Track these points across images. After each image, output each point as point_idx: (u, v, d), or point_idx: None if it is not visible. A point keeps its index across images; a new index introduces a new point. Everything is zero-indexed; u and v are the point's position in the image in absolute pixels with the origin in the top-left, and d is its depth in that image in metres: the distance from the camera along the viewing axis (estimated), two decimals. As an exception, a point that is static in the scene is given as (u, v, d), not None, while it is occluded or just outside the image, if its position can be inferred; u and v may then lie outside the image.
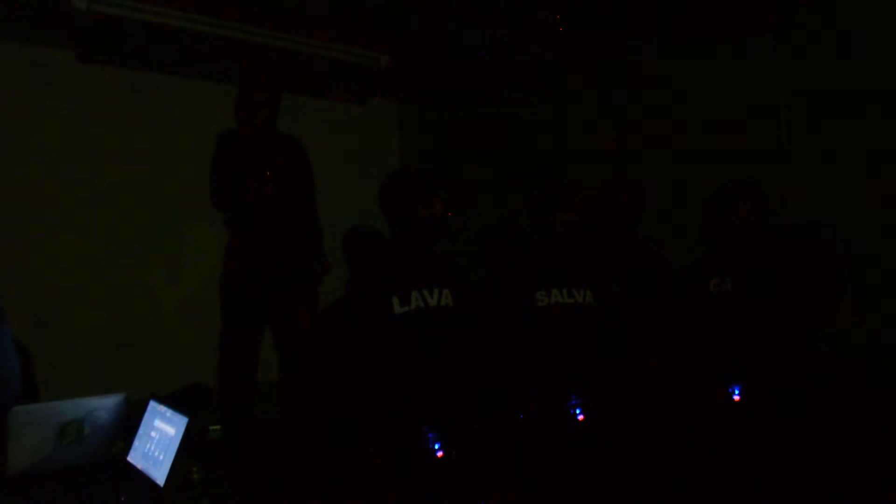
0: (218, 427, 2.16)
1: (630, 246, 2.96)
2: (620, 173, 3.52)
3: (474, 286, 2.40)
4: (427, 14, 3.23)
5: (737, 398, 2.25)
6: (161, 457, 1.58)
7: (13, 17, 3.21)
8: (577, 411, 2.15)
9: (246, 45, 3.48)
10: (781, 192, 3.08)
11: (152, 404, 1.72)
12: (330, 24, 3.42)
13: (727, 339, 2.51)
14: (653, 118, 3.67)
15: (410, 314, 2.10)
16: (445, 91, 4.65)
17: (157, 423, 1.66)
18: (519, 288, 2.44)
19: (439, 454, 1.84)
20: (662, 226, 3.38)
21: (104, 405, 1.75)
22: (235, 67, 3.78)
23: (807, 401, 2.22)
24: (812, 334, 2.47)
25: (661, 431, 2.22)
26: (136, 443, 1.71)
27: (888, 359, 2.59)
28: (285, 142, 3.09)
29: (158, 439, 1.62)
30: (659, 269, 2.93)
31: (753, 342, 2.45)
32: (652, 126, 3.67)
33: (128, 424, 1.77)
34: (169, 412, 1.63)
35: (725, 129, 3.37)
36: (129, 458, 1.69)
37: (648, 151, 3.67)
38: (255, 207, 2.93)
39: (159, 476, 1.55)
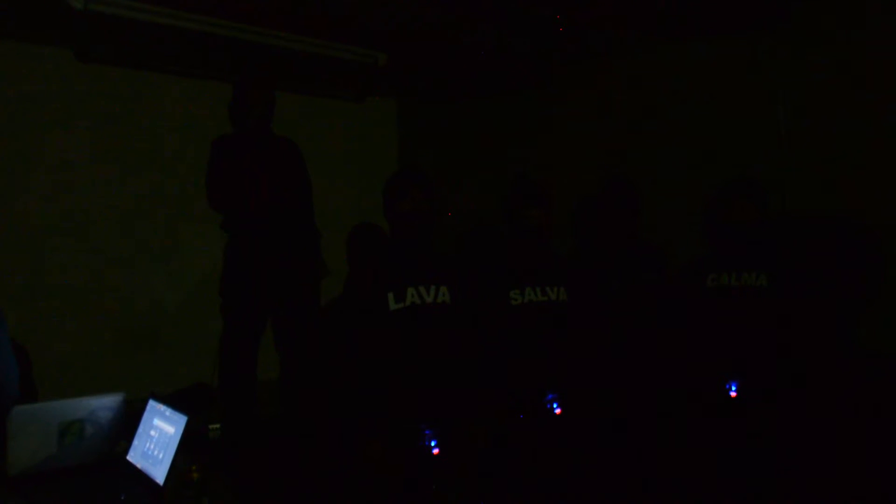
0: (218, 426, 2.17)
1: (629, 244, 2.97)
2: (620, 171, 3.53)
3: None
4: (425, 12, 3.23)
5: (733, 394, 2.26)
6: (161, 455, 1.58)
7: (9, 16, 3.21)
8: (555, 406, 2.16)
9: (244, 43, 3.48)
10: (780, 190, 3.09)
11: (151, 403, 1.72)
12: (328, 22, 3.42)
13: (725, 334, 2.52)
14: (652, 116, 3.68)
15: (405, 310, 2.10)
16: (443, 89, 4.65)
17: (157, 421, 1.67)
18: (493, 287, 2.46)
19: (435, 451, 1.85)
20: (662, 224, 3.38)
21: (105, 405, 1.75)
22: (234, 66, 3.78)
23: (816, 399, 2.22)
24: (848, 330, 2.49)
25: (656, 428, 2.23)
26: (135, 442, 1.71)
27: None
28: (280, 144, 3.09)
29: (158, 438, 1.63)
30: (658, 267, 2.94)
31: (753, 337, 2.46)
32: (651, 124, 3.68)
33: (128, 424, 1.77)
34: (168, 411, 1.64)
35: (725, 127, 3.38)
36: (129, 457, 1.70)
37: (648, 150, 3.67)
38: (250, 210, 2.94)
39: (159, 475, 1.55)
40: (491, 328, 2.33)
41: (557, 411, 2.17)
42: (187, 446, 1.55)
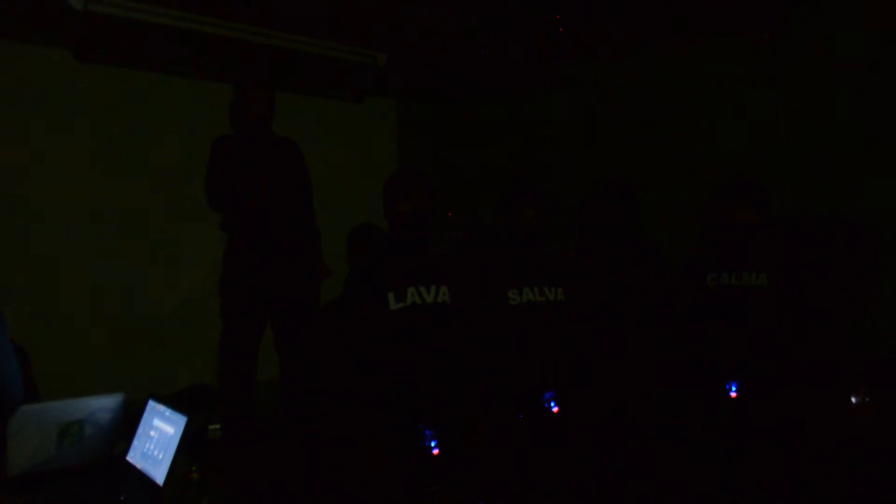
0: (218, 426, 2.17)
1: (628, 244, 2.97)
2: (618, 172, 3.53)
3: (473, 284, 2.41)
4: (425, 12, 3.23)
5: (734, 395, 2.25)
6: (160, 456, 1.58)
7: (8, 16, 3.21)
8: (552, 404, 2.16)
9: (243, 43, 3.48)
10: (780, 189, 3.09)
11: (151, 403, 1.72)
12: (328, 22, 3.42)
13: (725, 335, 2.52)
14: (652, 116, 3.68)
15: (406, 310, 2.10)
16: (443, 89, 4.65)
17: (157, 422, 1.67)
18: (491, 286, 2.46)
19: (435, 451, 1.85)
20: (662, 224, 3.38)
21: (104, 405, 1.75)
22: (233, 66, 3.78)
23: (815, 397, 2.22)
24: (848, 330, 2.49)
25: (655, 428, 2.23)
26: (135, 442, 1.71)
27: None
28: (281, 144, 3.09)
29: (158, 438, 1.63)
30: (656, 266, 2.94)
31: (753, 337, 2.46)
32: (651, 124, 3.68)
33: (128, 425, 1.77)
34: (168, 411, 1.64)
35: (724, 126, 3.38)
36: (129, 458, 1.70)
37: (647, 149, 3.67)
38: (250, 210, 2.94)
39: (159, 475, 1.55)
40: (489, 328, 2.33)
41: (555, 409, 2.17)
42: (187, 447, 1.55)
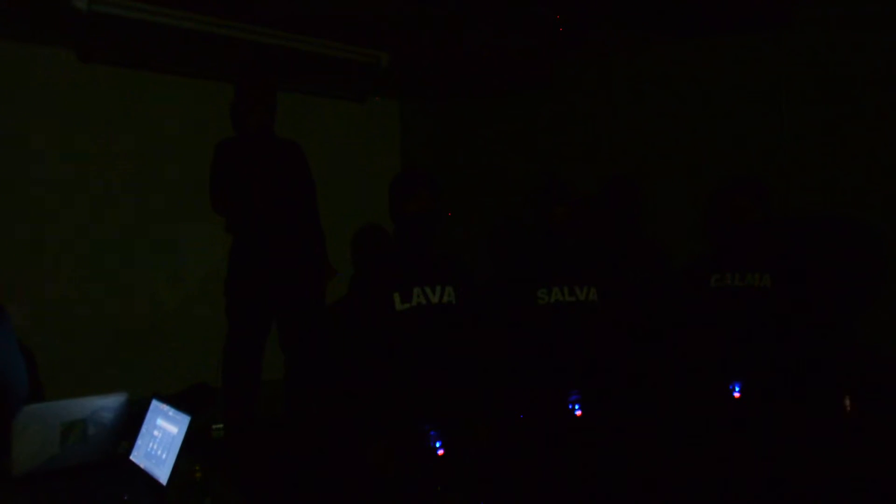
0: (220, 426, 2.17)
1: (630, 244, 2.97)
2: (621, 171, 3.52)
3: (479, 284, 2.41)
4: (428, 12, 3.23)
5: (737, 395, 2.25)
6: (164, 456, 1.59)
7: (13, 17, 3.22)
8: (577, 407, 2.15)
9: (246, 44, 3.48)
10: (783, 187, 3.08)
11: (155, 403, 1.73)
12: (330, 22, 3.42)
13: (728, 335, 2.51)
14: (652, 116, 3.67)
15: (412, 311, 2.10)
16: (446, 89, 4.65)
17: (160, 422, 1.67)
18: (520, 286, 2.45)
19: (440, 452, 1.85)
20: (663, 224, 3.38)
21: (107, 405, 1.76)
22: (235, 67, 3.78)
23: (818, 398, 2.22)
24: (848, 328, 2.49)
25: (661, 428, 2.23)
26: (138, 442, 1.71)
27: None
28: (284, 146, 3.09)
29: (161, 438, 1.63)
30: (659, 267, 2.94)
31: (757, 338, 2.45)
32: (651, 124, 3.67)
33: (131, 424, 1.77)
34: (171, 411, 1.64)
35: (727, 126, 3.37)
36: (132, 458, 1.70)
37: (649, 149, 3.67)
38: (254, 212, 2.94)
39: (162, 475, 1.55)
40: (516, 327, 2.32)
41: (578, 413, 2.15)
42: (190, 446, 1.55)
